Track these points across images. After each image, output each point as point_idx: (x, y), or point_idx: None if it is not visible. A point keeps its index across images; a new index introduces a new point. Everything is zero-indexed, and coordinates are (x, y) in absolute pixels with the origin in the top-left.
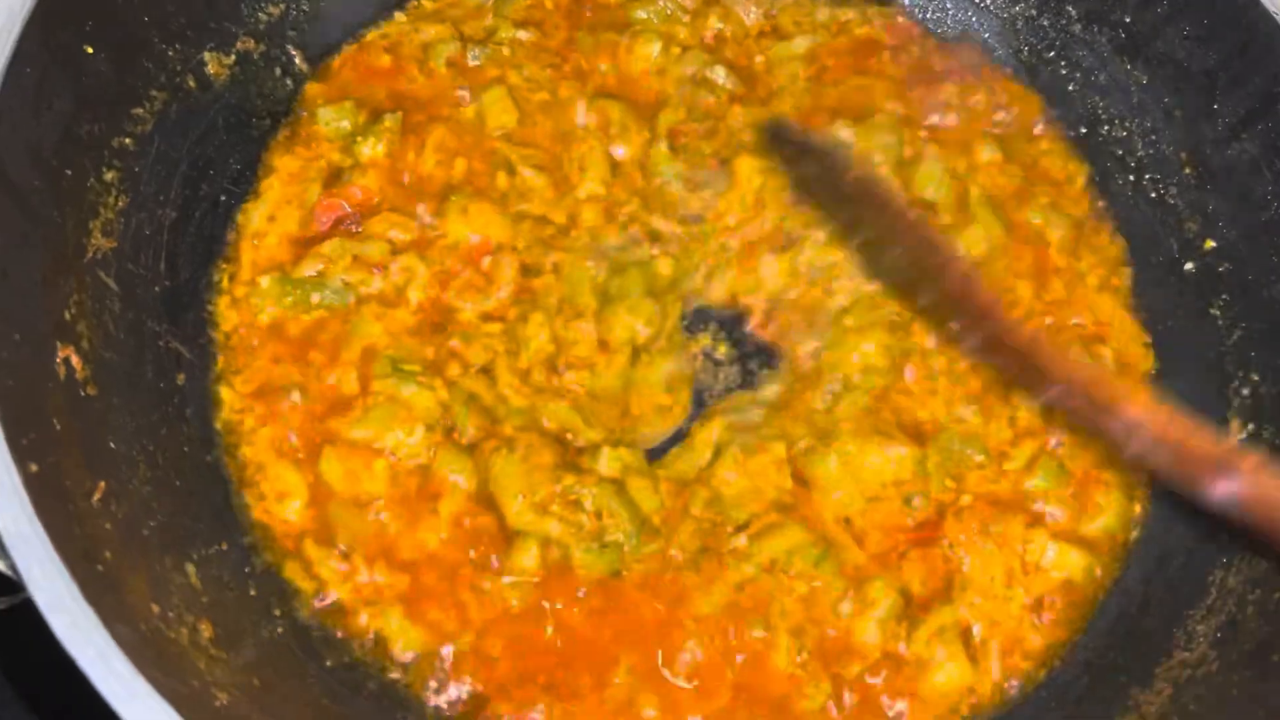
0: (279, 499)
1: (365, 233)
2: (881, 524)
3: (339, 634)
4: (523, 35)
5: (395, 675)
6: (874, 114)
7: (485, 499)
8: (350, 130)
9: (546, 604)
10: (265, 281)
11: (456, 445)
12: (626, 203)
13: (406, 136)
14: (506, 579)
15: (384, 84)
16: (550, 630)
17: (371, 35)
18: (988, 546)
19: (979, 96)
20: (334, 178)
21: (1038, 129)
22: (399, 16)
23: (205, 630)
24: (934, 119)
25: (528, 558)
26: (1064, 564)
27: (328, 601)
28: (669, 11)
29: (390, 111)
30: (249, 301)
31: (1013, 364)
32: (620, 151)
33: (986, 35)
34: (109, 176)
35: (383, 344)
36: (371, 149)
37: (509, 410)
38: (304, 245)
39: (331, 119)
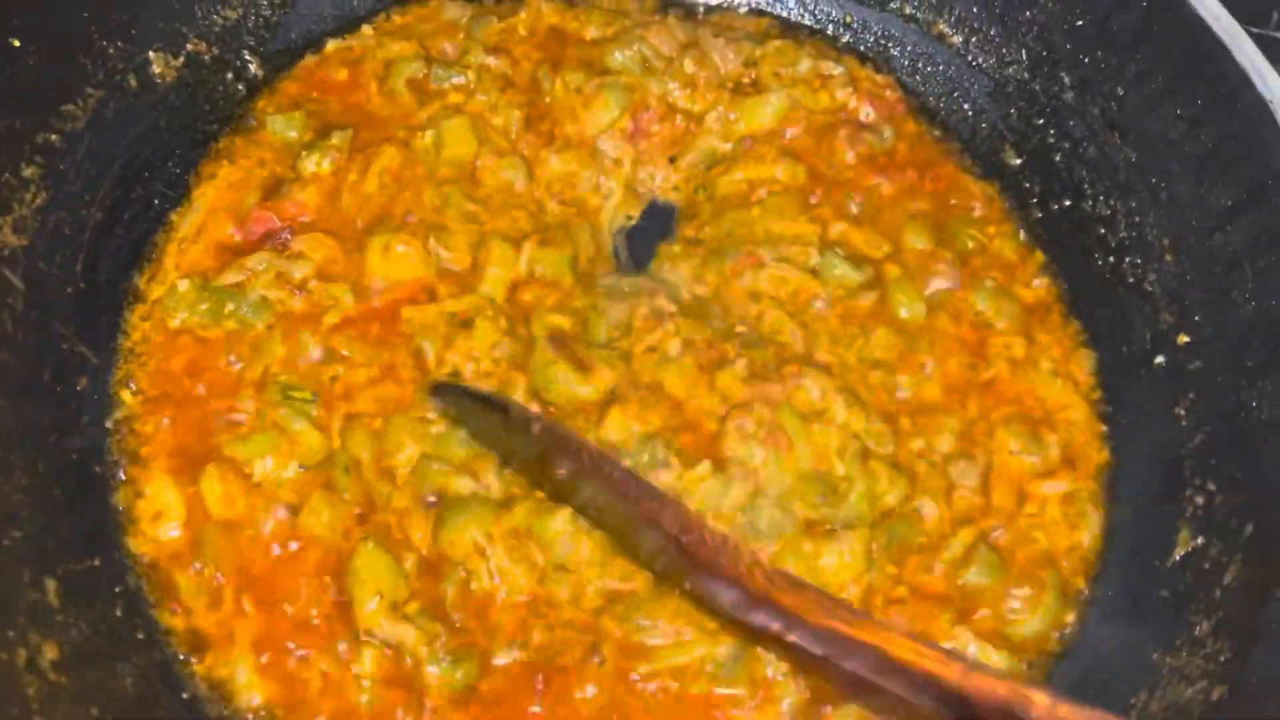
0: (157, 516)
1: (293, 250)
2: None
3: (198, 669)
4: (491, 61)
5: None
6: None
7: (341, 581)
8: (297, 141)
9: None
10: (183, 285)
11: (332, 497)
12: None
13: (354, 155)
14: (355, 668)
15: (340, 98)
16: None
17: (334, 46)
18: None
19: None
20: (273, 189)
21: (976, 211)
22: (365, 29)
23: (49, 652)
24: (854, 207)
25: (362, 665)
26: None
27: (193, 631)
28: (645, 55)
29: (340, 128)
30: (163, 305)
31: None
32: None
33: (977, 95)
34: (28, 172)
35: (278, 368)
36: (316, 165)
37: (392, 489)
38: (232, 254)
39: (280, 128)
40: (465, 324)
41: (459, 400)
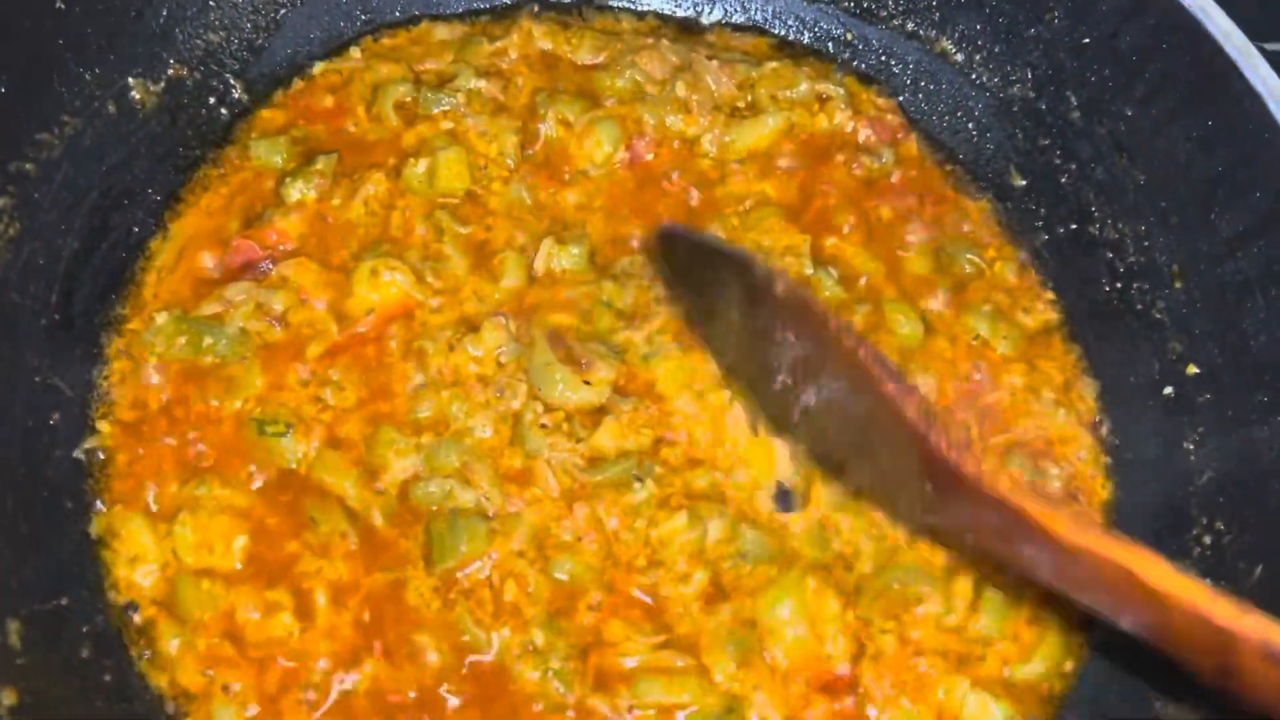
0: (133, 559)
1: (275, 278)
2: (802, 670)
3: (172, 713)
4: (482, 85)
5: None
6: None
7: None
8: (281, 168)
9: None
10: (161, 318)
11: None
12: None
13: (339, 180)
14: None
15: (326, 123)
16: None
17: (321, 69)
18: (901, 699)
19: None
20: (256, 217)
21: (977, 234)
22: (353, 52)
23: (8, 697)
24: (849, 229)
25: None
26: (984, 716)
27: (171, 681)
28: (637, 81)
29: (325, 153)
30: (141, 338)
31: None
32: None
33: (980, 115)
34: (0, 203)
35: (255, 403)
36: (300, 192)
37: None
38: (211, 285)
39: (264, 154)
40: (472, 328)
41: (687, 248)
